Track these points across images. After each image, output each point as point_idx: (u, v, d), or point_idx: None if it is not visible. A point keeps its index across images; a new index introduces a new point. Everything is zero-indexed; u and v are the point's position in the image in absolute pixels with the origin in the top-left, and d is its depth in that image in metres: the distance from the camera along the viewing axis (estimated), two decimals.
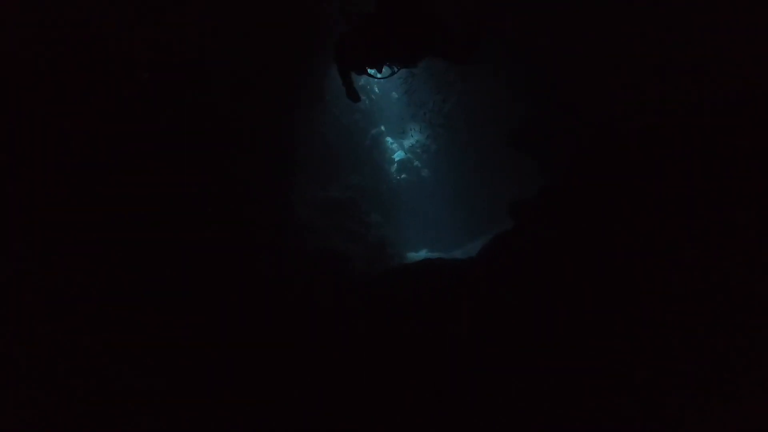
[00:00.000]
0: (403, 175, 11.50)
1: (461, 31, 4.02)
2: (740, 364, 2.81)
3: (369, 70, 4.20)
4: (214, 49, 4.45)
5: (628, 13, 3.70)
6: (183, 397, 3.08)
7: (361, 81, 10.44)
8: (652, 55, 3.60)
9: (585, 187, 4.27)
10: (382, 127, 11.37)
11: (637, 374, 3.05)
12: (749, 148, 3.10)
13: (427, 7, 3.69)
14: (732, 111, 3.20)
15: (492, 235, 7.99)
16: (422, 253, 9.69)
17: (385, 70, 4.12)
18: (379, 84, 12.70)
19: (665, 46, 3.54)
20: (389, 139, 12.42)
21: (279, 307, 4.05)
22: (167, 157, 4.02)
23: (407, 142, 12.26)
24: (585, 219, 4.08)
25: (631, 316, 3.22)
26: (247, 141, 5.20)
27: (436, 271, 4.54)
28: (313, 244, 5.53)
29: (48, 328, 2.91)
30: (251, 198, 5.07)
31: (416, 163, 11.69)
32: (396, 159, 11.91)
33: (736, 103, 3.20)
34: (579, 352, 3.25)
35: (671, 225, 3.34)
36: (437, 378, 3.36)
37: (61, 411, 2.73)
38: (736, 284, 2.99)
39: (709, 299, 3.05)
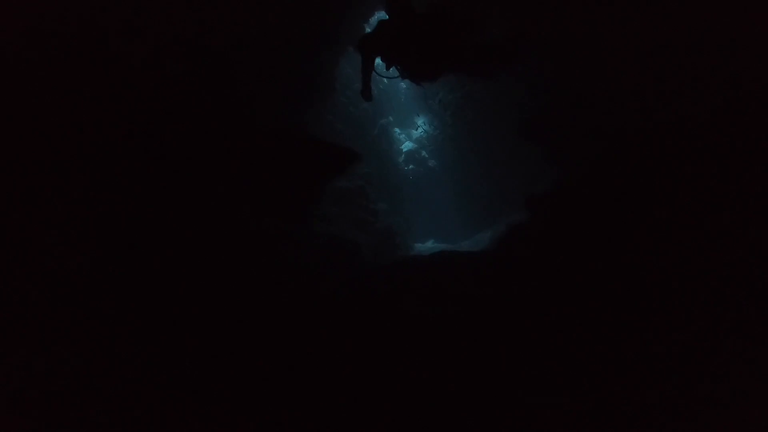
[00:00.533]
0: (410, 166, 11.52)
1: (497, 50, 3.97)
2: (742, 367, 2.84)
3: (376, 63, 4.18)
4: (227, 41, 4.47)
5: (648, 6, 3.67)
6: (188, 389, 3.05)
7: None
8: (674, 48, 3.57)
9: (602, 180, 4.27)
10: (390, 118, 11.37)
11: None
12: None
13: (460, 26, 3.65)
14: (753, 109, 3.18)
15: (499, 227, 8.03)
16: (429, 244, 9.74)
17: (392, 70, 4.11)
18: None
19: (687, 40, 3.51)
20: (397, 130, 12.42)
21: (289, 296, 4.10)
22: (177, 148, 4.04)
23: (415, 133, 12.26)
24: (602, 214, 4.09)
25: (645, 316, 3.25)
26: (258, 130, 5.23)
27: (451, 264, 4.58)
28: (323, 232, 5.59)
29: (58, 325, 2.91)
30: (261, 186, 5.11)
31: (423, 153, 11.70)
32: (404, 150, 11.92)
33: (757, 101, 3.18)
34: (590, 354, 3.27)
35: (690, 224, 3.36)
36: (446, 376, 3.35)
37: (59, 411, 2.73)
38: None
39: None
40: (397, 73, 4.11)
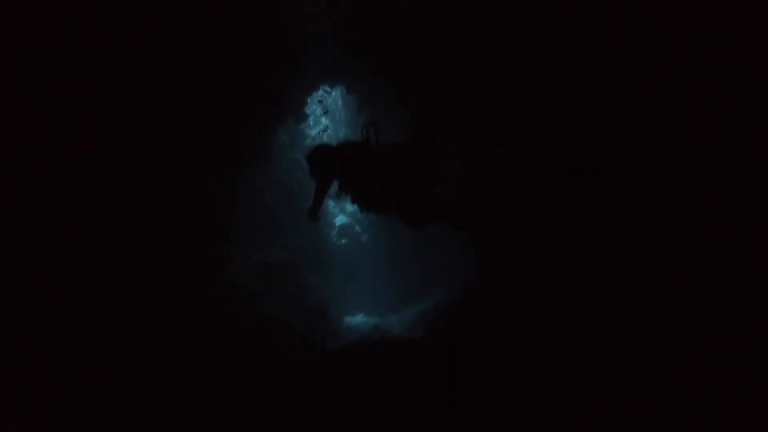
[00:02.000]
0: (343, 240, 11.41)
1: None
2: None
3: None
4: (163, 98, 4.26)
5: None
6: None
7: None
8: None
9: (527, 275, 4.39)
10: None
11: None
12: None
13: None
14: None
15: (426, 303, 8.03)
16: (359, 318, 9.49)
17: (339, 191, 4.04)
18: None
19: None
20: (331, 203, 12.40)
21: (214, 381, 3.64)
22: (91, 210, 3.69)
23: (349, 207, 12.32)
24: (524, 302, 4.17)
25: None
26: (182, 199, 4.81)
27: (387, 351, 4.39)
28: (249, 310, 5.15)
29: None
30: (180, 263, 4.61)
31: (357, 228, 11.70)
32: (337, 224, 11.85)
33: None
34: None
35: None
36: None
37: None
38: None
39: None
40: (344, 194, 4.04)
